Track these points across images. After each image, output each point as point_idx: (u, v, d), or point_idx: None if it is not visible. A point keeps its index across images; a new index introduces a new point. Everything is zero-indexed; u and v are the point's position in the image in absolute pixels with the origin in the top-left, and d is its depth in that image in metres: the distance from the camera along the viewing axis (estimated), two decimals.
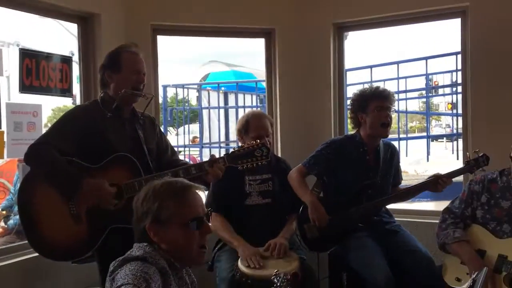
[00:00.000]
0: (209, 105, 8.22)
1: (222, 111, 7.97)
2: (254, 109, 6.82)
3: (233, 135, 7.86)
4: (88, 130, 2.38)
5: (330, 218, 2.82)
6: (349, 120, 3.05)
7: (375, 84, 3.09)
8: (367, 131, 2.89)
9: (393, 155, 3.03)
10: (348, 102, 3.39)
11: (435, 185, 2.77)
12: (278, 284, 1.90)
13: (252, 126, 2.97)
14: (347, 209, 2.84)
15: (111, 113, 2.42)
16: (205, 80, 11.41)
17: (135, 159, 2.36)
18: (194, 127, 10.47)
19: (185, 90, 8.02)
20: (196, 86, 8.82)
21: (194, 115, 11.27)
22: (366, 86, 3.02)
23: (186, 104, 8.38)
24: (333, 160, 2.92)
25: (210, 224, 1.68)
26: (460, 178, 3.03)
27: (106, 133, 2.40)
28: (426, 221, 3.09)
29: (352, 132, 3.09)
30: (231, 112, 8.19)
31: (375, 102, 2.85)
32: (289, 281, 1.95)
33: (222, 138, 8.00)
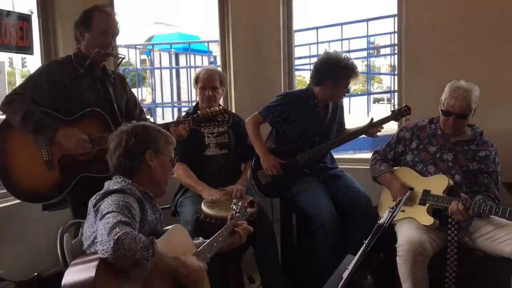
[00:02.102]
0: (160, 65, 8.25)
1: (174, 72, 8.03)
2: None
3: (184, 96, 7.99)
4: (61, 84, 2.50)
5: (281, 163, 3.12)
6: (309, 76, 3.28)
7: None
8: (323, 95, 3.16)
9: (337, 106, 3.34)
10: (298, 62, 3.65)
11: (368, 130, 3.11)
12: (238, 210, 2.21)
13: (200, 77, 3.24)
14: (294, 155, 3.15)
15: (83, 70, 2.55)
16: (150, 41, 11.30)
17: (105, 114, 2.52)
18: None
19: (134, 51, 8.00)
20: (150, 47, 8.77)
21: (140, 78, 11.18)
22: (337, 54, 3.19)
23: (138, 66, 8.36)
24: (286, 111, 3.19)
25: (175, 171, 2.01)
26: (394, 131, 3.41)
27: (78, 88, 2.53)
28: (365, 167, 3.45)
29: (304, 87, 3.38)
30: (183, 73, 8.27)
31: (344, 80, 3.09)
32: (246, 207, 2.27)
33: (175, 99, 8.10)
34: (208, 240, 1.98)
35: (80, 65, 2.55)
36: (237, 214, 2.20)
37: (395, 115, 3.10)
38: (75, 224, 1.95)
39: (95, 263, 1.43)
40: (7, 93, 2.52)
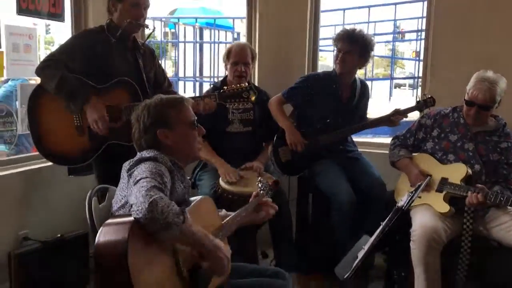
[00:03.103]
0: (184, 39, 8.26)
1: (197, 46, 8.03)
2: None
3: (206, 71, 8.00)
4: (94, 51, 2.57)
5: (305, 142, 3.15)
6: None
7: (350, 27, 3.30)
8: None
9: (364, 92, 3.35)
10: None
11: (391, 118, 3.12)
12: (262, 188, 2.25)
13: (232, 52, 3.22)
14: (316, 136, 3.18)
15: (115, 39, 2.61)
16: (173, 14, 11.27)
17: (135, 85, 2.59)
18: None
19: (159, 23, 8.01)
20: (175, 20, 8.75)
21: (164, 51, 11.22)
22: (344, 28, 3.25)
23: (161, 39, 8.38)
24: (309, 93, 3.21)
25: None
26: (415, 117, 3.41)
27: (111, 57, 2.60)
28: (383, 152, 3.46)
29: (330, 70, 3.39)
30: (206, 48, 8.28)
31: (338, 43, 3.15)
32: (271, 186, 2.31)
33: (197, 73, 8.12)
34: (233, 214, 2.03)
35: (112, 35, 2.62)
36: (261, 192, 2.24)
37: (420, 106, 3.10)
38: (102, 189, 2.01)
39: (128, 224, 1.49)
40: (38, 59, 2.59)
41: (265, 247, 3.52)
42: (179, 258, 1.64)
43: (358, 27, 3.25)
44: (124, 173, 1.79)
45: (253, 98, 2.67)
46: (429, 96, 3.11)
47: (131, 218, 1.51)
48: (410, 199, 1.54)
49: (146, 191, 1.53)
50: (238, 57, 3.19)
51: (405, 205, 1.50)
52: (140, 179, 1.63)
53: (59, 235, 2.89)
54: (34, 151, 2.98)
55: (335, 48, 3.20)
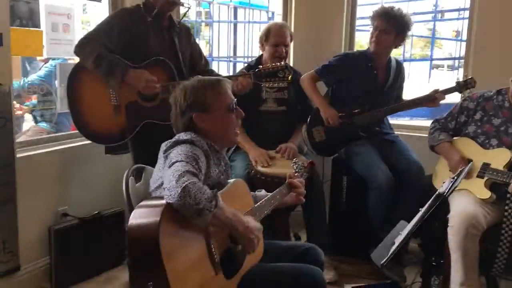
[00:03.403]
0: (219, 18, 8.20)
1: (231, 26, 7.97)
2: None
3: (240, 51, 7.96)
4: (130, 30, 2.58)
5: (340, 121, 3.10)
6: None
7: (388, 5, 3.19)
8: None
9: (400, 72, 3.26)
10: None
11: (431, 99, 3.02)
12: (297, 169, 2.23)
13: (272, 33, 3.16)
14: (352, 116, 3.12)
15: (151, 18, 2.61)
16: None
17: (171, 65, 2.59)
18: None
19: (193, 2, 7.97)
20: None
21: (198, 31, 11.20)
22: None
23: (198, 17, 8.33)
24: (343, 72, 3.15)
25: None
26: (458, 99, 3.29)
27: (147, 36, 2.61)
28: (420, 135, 3.38)
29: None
30: (240, 28, 8.21)
31: (375, 21, 3.07)
32: (306, 167, 2.28)
33: (231, 53, 8.08)
34: (267, 196, 2.01)
35: (148, 14, 2.62)
36: (296, 174, 2.21)
37: (460, 87, 2.99)
38: (139, 169, 2.03)
39: (161, 208, 1.49)
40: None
41: (297, 229, 3.52)
42: (212, 241, 1.64)
43: (396, 5, 3.14)
44: (161, 154, 1.79)
45: (289, 78, 2.63)
46: (470, 77, 2.99)
47: (164, 202, 1.51)
48: (452, 185, 1.48)
49: (180, 175, 1.53)
50: (278, 38, 3.14)
51: (446, 191, 1.44)
52: (175, 162, 1.63)
53: (96, 212, 2.97)
54: (73, 129, 3.04)
55: (371, 26, 3.11)
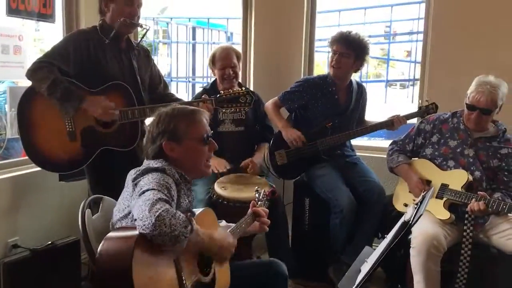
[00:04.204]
0: (177, 39, 8.16)
1: (190, 46, 7.94)
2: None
3: (199, 71, 7.92)
4: (87, 53, 2.49)
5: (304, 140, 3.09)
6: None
7: (345, 29, 3.25)
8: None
9: (361, 94, 3.31)
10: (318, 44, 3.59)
11: (392, 124, 3.10)
12: (260, 198, 2.20)
13: (217, 57, 3.19)
14: (314, 140, 3.13)
15: (109, 40, 2.53)
16: (163, 13, 11.17)
17: (130, 89, 2.51)
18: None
19: (152, 22, 7.92)
20: (169, 20, 8.63)
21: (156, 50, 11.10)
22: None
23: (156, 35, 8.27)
24: (304, 97, 3.18)
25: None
26: (414, 120, 3.36)
27: (104, 59, 2.52)
28: (381, 156, 3.42)
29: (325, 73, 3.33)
30: (199, 48, 8.19)
31: (334, 46, 3.10)
32: (268, 196, 2.26)
33: (190, 74, 8.03)
34: (233, 226, 1.97)
35: (106, 36, 2.54)
36: (258, 202, 2.19)
37: (421, 112, 3.10)
38: (96, 199, 1.94)
39: (133, 239, 1.45)
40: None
41: (260, 252, 3.48)
42: (182, 272, 1.59)
43: (354, 30, 3.20)
44: (129, 182, 1.73)
45: (252, 103, 2.64)
46: (432, 102, 3.08)
47: (136, 232, 1.47)
48: (417, 212, 1.48)
49: (152, 204, 1.48)
50: (223, 61, 3.18)
51: (412, 219, 1.44)
52: (146, 190, 1.58)
53: (49, 242, 2.81)
54: (24, 155, 2.89)
55: (330, 50, 3.15)
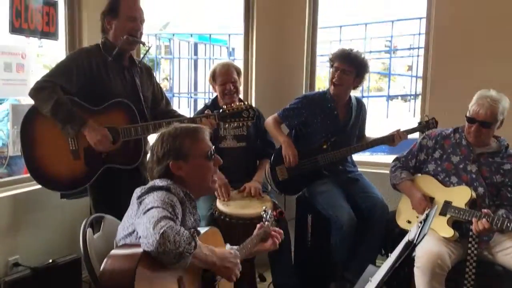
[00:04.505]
0: (179, 55, 8.19)
1: (192, 62, 7.97)
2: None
3: (201, 87, 7.94)
4: (90, 71, 2.49)
5: (300, 161, 3.09)
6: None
7: (346, 44, 3.27)
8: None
9: (361, 110, 3.31)
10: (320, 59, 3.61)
11: (392, 139, 3.10)
12: (267, 218, 2.19)
13: (217, 73, 3.21)
14: (315, 156, 3.12)
15: (111, 58, 2.53)
16: (165, 28, 11.24)
17: (133, 107, 2.51)
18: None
19: (154, 38, 7.97)
20: (170, 36, 8.67)
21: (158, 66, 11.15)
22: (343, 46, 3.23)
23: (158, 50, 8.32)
24: (304, 114, 3.18)
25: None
26: (416, 135, 3.36)
27: (107, 76, 2.52)
28: (383, 172, 3.41)
29: (325, 88, 3.34)
30: (201, 63, 8.21)
31: (334, 63, 3.12)
32: (275, 216, 2.25)
33: (192, 89, 8.06)
34: (238, 247, 1.96)
35: (108, 54, 2.55)
36: (266, 223, 2.18)
37: (421, 128, 3.10)
38: (97, 218, 1.93)
39: (137, 256, 1.45)
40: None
41: (262, 270, 3.44)
42: None
43: (355, 47, 3.23)
44: (134, 200, 1.73)
45: (254, 117, 2.67)
46: (432, 117, 3.08)
47: (140, 250, 1.47)
48: (421, 231, 1.47)
49: (156, 221, 1.49)
50: (224, 77, 3.19)
51: (416, 239, 1.43)
52: (150, 208, 1.59)
53: (50, 261, 2.79)
54: (25, 173, 2.88)
55: (331, 67, 3.16)
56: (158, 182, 1.75)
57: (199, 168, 1.85)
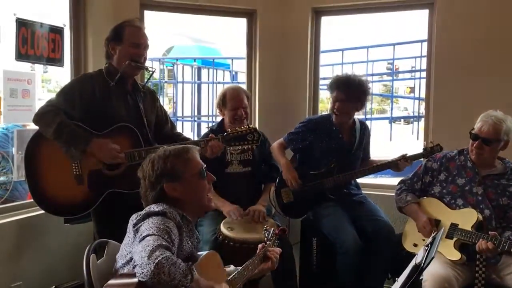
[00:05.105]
0: (183, 79, 8.27)
1: (195, 86, 8.03)
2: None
3: (204, 110, 7.98)
4: (93, 96, 2.51)
5: (302, 184, 3.09)
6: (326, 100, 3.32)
7: (347, 69, 3.30)
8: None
9: (364, 134, 3.31)
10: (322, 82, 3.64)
11: (397, 165, 3.09)
12: (269, 237, 2.17)
13: (228, 98, 3.17)
14: (320, 179, 3.12)
15: (114, 83, 2.56)
16: (169, 53, 11.36)
17: (137, 131, 2.52)
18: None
19: (158, 63, 8.04)
20: (174, 60, 8.76)
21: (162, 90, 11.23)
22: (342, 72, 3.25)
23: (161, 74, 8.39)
24: (308, 138, 3.19)
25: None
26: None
27: (110, 101, 2.54)
28: (388, 194, 3.39)
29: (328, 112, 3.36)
30: (204, 87, 8.28)
31: (334, 93, 3.13)
32: (277, 235, 2.23)
33: (195, 113, 8.10)
34: (239, 269, 1.93)
35: (111, 79, 2.57)
36: (268, 242, 2.16)
37: (427, 153, 3.08)
38: (101, 243, 1.92)
39: (132, 286, 1.43)
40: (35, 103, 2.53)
41: None
42: None
43: (352, 72, 3.24)
44: (130, 227, 1.71)
45: (259, 140, 2.66)
46: (437, 144, 3.08)
47: (135, 280, 1.44)
48: (428, 254, 1.45)
49: (151, 251, 1.47)
50: (235, 102, 3.15)
51: (423, 262, 1.41)
52: (146, 236, 1.56)
53: (53, 287, 2.77)
54: (29, 198, 2.88)
55: (331, 95, 3.18)
56: (153, 208, 1.74)
57: (193, 187, 1.85)
